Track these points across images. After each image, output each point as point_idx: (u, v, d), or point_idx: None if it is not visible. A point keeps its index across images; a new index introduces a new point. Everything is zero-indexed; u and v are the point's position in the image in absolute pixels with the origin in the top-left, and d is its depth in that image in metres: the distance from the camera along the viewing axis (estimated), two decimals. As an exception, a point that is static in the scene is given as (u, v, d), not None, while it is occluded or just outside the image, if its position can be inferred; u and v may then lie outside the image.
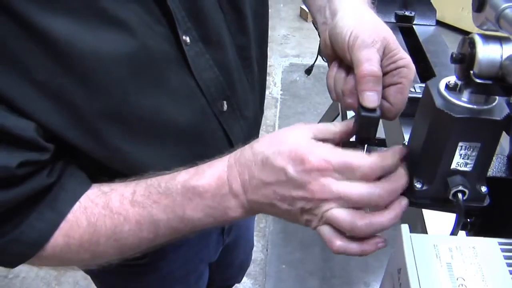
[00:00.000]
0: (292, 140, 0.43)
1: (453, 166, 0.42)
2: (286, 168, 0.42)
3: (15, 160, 0.42)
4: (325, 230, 0.44)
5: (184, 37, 0.50)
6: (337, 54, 0.50)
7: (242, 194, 0.45)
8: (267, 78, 2.73)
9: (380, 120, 0.45)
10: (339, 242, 0.43)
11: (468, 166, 0.42)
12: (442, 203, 0.44)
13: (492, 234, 0.45)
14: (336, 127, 0.47)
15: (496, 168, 0.49)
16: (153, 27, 0.47)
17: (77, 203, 0.48)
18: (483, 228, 0.52)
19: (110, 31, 0.43)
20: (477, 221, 0.53)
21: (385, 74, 0.46)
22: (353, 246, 0.43)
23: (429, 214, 0.73)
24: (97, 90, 0.45)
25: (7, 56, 0.40)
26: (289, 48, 3.06)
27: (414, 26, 1.11)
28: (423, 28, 1.12)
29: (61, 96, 0.43)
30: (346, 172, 0.41)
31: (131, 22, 0.44)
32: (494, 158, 0.50)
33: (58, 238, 0.47)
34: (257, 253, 1.83)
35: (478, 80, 0.38)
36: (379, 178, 0.43)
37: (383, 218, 0.42)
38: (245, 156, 0.46)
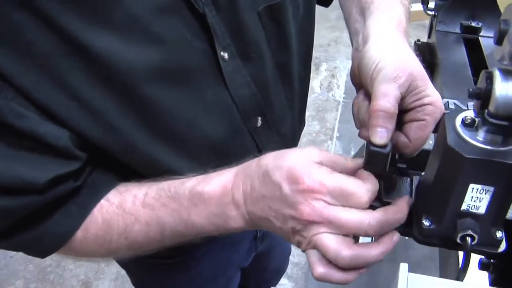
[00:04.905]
0: (294, 159, 0.43)
1: (463, 207, 0.39)
2: (281, 185, 0.42)
3: (45, 176, 0.44)
4: (311, 254, 0.43)
5: (222, 53, 0.50)
6: (363, 84, 0.48)
7: (243, 205, 0.46)
8: (331, 80, 2.69)
9: None
10: (321, 269, 0.42)
11: (480, 209, 0.39)
12: (450, 244, 0.41)
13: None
14: (347, 161, 0.45)
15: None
16: (192, 42, 0.48)
17: None
18: (506, 272, 0.48)
19: (148, 47, 0.45)
20: (501, 264, 0.49)
21: (409, 110, 0.44)
22: (336, 275, 0.42)
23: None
24: (132, 103, 0.46)
25: (48, 68, 0.42)
26: (357, 50, 2.98)
27: (480, 38, 1.03)
28: (490, 40, 1.04)
29: (96, 107, 0.45)
30: (340, 197, 0.40)
31: (168, 38, 0.46)
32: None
33: (78, 232, 0.50)
34: (301, 257, 1.82)
35: (492, 120, 0.34)
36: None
37: (370, 252, 0.41)
38: (250, 167, 0.46)
